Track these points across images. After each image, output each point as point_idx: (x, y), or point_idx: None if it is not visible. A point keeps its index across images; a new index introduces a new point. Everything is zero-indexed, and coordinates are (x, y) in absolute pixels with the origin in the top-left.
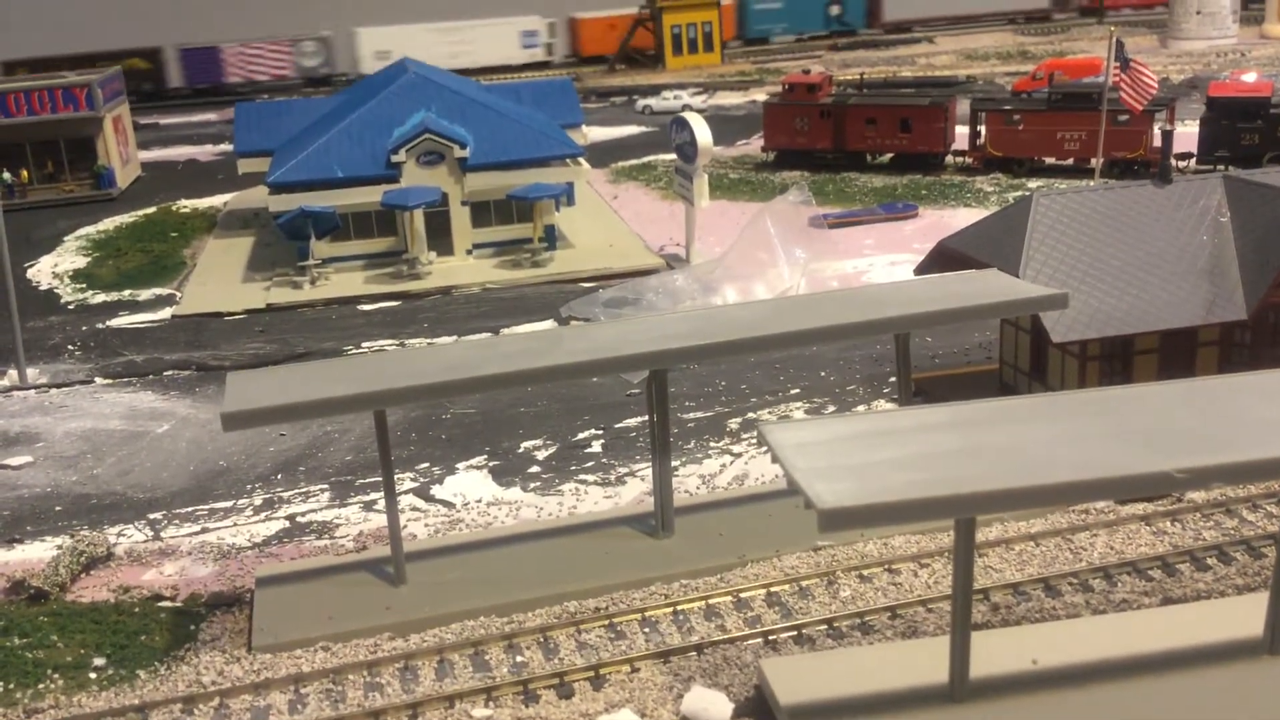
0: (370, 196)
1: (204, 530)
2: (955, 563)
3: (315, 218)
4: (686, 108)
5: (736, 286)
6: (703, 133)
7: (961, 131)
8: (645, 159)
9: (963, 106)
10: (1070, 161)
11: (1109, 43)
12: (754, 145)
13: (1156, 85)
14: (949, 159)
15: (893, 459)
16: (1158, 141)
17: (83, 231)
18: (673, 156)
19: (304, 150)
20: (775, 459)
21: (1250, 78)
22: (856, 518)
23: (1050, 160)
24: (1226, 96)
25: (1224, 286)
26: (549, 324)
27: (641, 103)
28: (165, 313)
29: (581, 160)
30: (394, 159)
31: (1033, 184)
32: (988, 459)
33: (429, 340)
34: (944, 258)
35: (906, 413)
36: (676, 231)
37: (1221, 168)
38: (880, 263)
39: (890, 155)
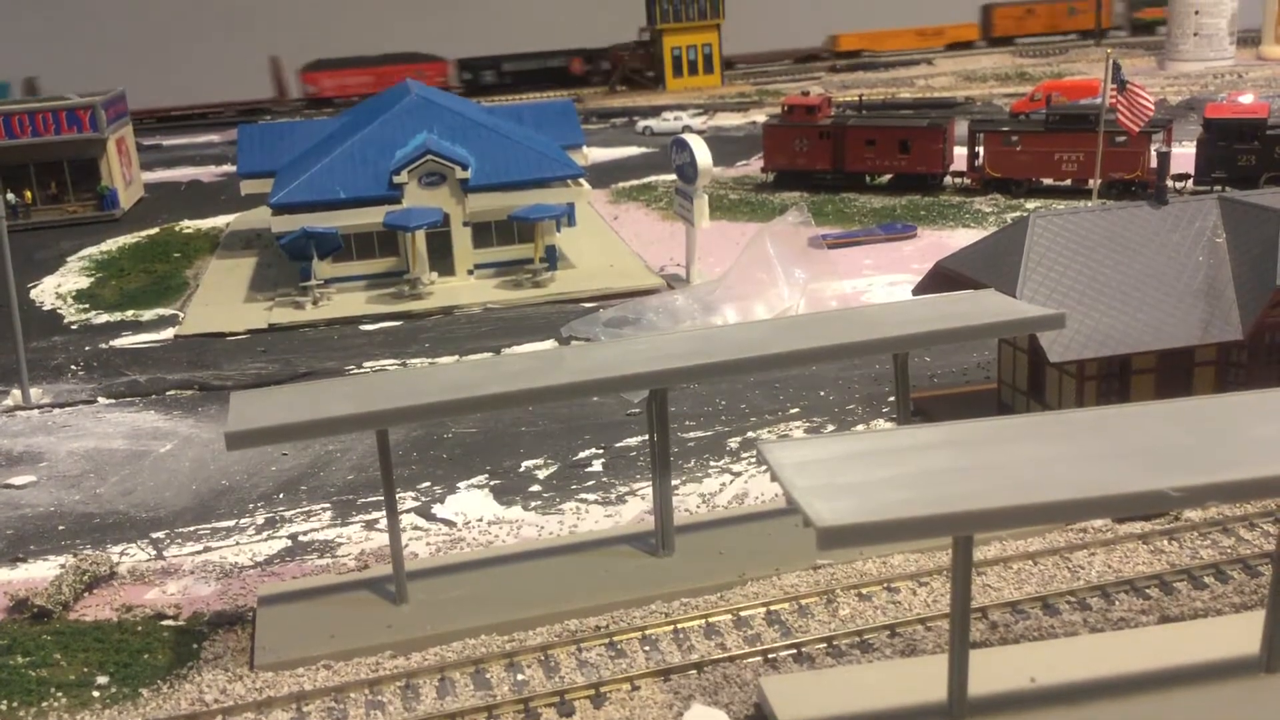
0: (372, 217)
1: (206, 549)
2: (953, 581)
3: (317, 238)
4: (687, 129)
5: (736, 306)
6: (703, 154)
7: (960, 152)
8: (645, 180)
9: (961, 128)
10: (1068, 182)
11: (1106, 64)
12: (754, 166)
13: (1153, 107)
14: (947, 180)
15: (891, 478)
16: (1155, 162)
17: (86, 252)
18: (673, 177)
19: (306, 171)
20: (774, 478)
21: (1247, 99)
22: (855, 536)
23: (1048, 181)
24: (1223, 118)
25: (1220, 307)
26: (550, 344)
27: (642, 124)
28: (168, 333)
29: (582, 181)
30: (396, 180)
31: (1030, 205)
32: (986, 478)
33: (431, 360)
34: (942, 278)
35: (905, 432)
36: (677, 252)
37: (1219, 188)
38: (879, 283)
39: (889, 176)
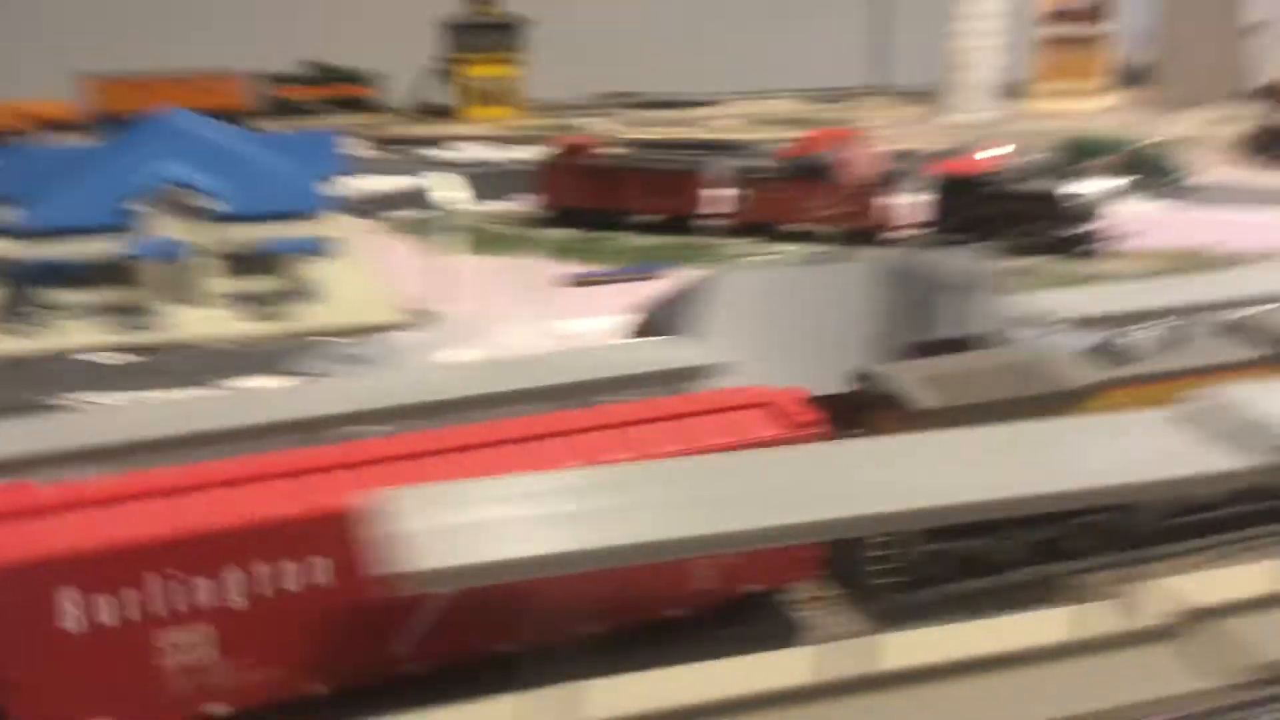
0: (108, 246)
1: None
2: None
3: (47, 266)
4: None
5: (469, 344)
6: (450, 189)
7: (722, 195)
8: (409, 212)
9: (724, 170)
10: (815, 228)
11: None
12: (522, 202)
13: (885, 160)
14: (706, 222)
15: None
16: (891, 212)
17: None
18: (436, 212)
19: (44, 196)
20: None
21: (986, 154)
22: None
23: (793, 227)
24: (953, 174)
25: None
26: (275, 381)
27: (419, 153)
28: None
29: (337, 213)
30: (133, 208)
31: (785, 248)
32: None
33: (162, 393)
34: (645, 324)
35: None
36: (430, 286)
37: (953, 241)
38: (609, 324)
39: (652, 216)
